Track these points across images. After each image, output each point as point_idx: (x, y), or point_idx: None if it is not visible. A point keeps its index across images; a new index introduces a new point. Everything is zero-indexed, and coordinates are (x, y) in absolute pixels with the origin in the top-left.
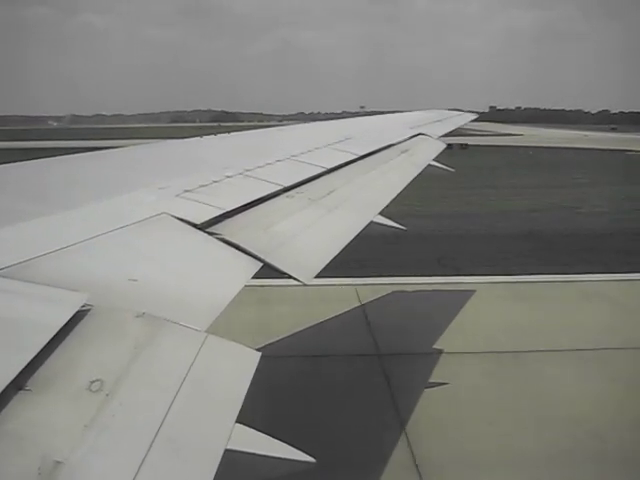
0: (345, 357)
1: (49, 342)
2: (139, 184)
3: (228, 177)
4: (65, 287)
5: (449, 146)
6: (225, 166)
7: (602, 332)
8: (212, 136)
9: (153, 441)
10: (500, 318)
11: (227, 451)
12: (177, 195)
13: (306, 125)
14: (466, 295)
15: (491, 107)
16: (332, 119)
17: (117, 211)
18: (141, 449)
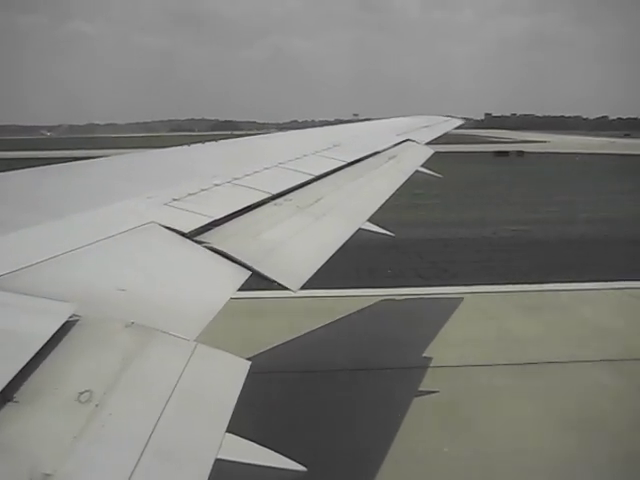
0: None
1: (37, 353)
2: (127, 193)
3: (216, 185)
4: (53, 297)
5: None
6: (213, 174)
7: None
8: (200, 144)
9: (143, 451)
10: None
11: (218, 461)
12: (165, 204)
13: (294, 132)
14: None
15: (487, 114)
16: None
17: (105, 220)
18: (131, 460)
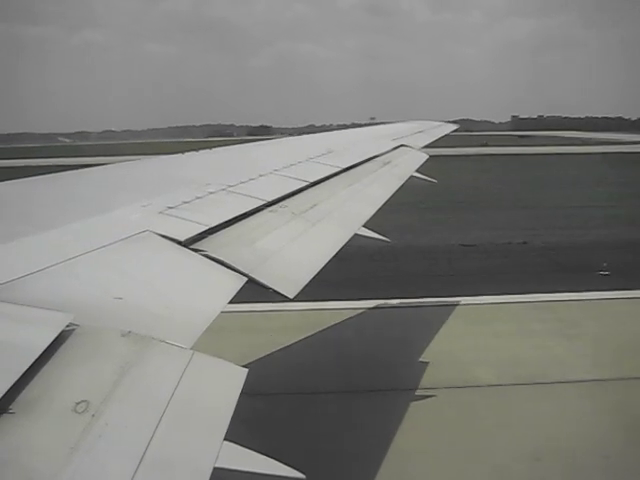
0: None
1: (33, 363)
2: (122, 202)
3: (211, 193)
4: (50, 307)
5: None
6: (208, 182)
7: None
8: (194, 152)
9: (141, 461)
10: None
11: (216, 469)
12: (160, 212)
13: (288, 139)
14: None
15: (513, 116)
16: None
17: (100, 230)
18: (128, 470)
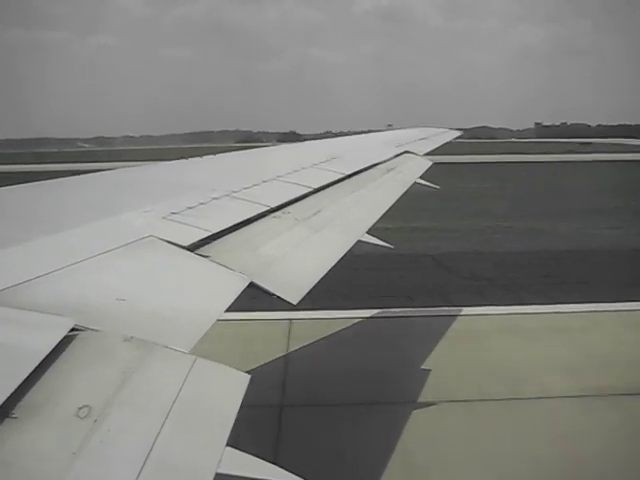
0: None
1: (36, 368)
2: (125, 207)
3: (215, 199)
4: (53, 312)
5: None
6: (211, 188)
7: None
8: (198, 158)
9: (143, 467)
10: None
11: (218, 475)
12: (164, 217)
13: (292, 145)
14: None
15: (537, 123)
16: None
17: (103, 234)
18: (130, 475)
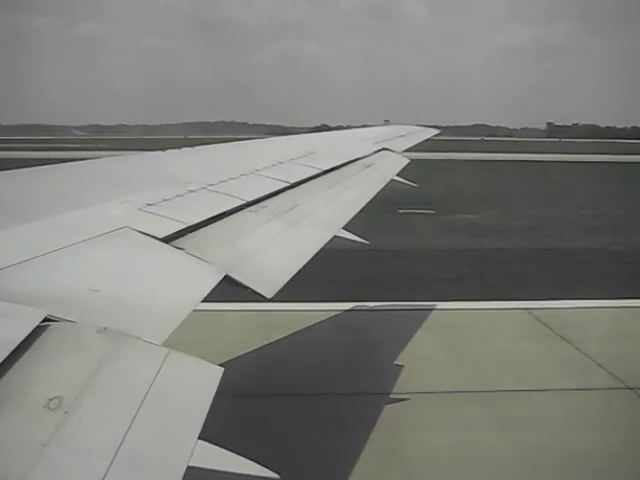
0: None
1: (6, 359)
2: (102, 198)
3: (191, 191)
4: (24, 302)
5: None
6: (189, 180)
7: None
8: (176, 150)
9: (114, 459)
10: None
11: (189, 468)
12: (140, 209)
13: (270, 139)
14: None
15: (548, 123)
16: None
17: (78, 224)
18: (102, 467)
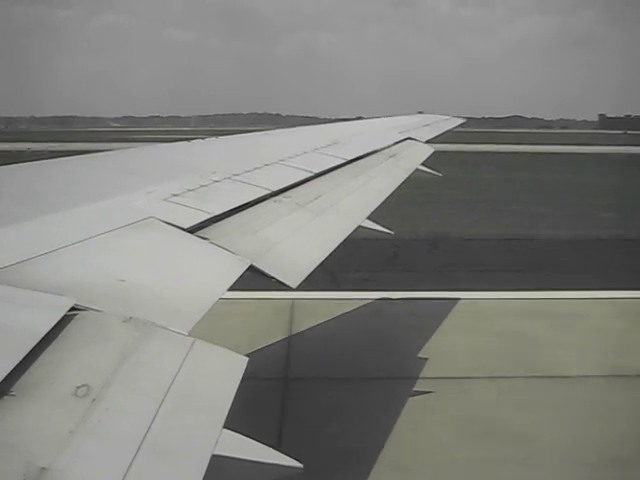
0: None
1: (35, 347)
2: (126, 188)
3: (216, 182)
4: (52, 291)
5: None
6: (213, 170)
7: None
8: (200, 140)
9: (140, 447)
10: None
11: (214, 457)
12: (165, 199)
13: (294, 129)
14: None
15: (600, 115)
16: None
17: (104, 215)
18: (127, 455)
